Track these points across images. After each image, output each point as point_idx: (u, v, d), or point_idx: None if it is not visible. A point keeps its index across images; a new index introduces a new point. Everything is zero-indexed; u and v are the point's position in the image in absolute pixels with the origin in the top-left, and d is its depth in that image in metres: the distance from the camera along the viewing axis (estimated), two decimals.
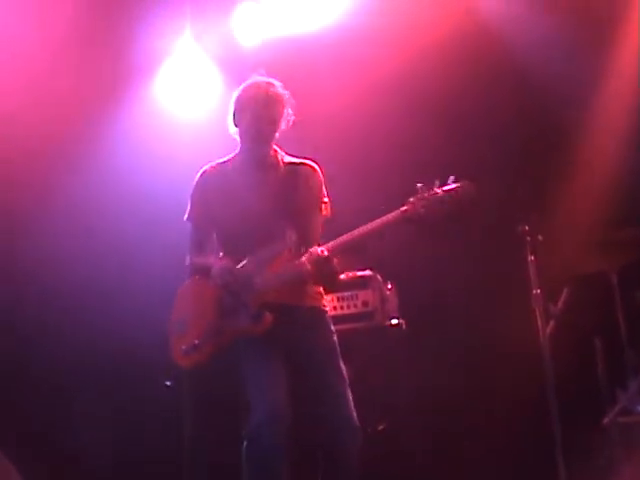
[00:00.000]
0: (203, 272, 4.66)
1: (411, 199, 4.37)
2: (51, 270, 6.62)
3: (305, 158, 4.78)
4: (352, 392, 4.50)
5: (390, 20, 6.63)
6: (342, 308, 6.10)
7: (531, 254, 5.40)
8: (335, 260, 4.45)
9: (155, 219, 6.69)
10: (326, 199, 4.72)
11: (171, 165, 6.78)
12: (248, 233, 4.55)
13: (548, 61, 6.41)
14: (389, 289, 6.20)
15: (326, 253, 4.39)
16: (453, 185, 4.35)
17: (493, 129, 6.63)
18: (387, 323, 6.11)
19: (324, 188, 4.72)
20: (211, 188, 4.71)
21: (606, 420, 5.49)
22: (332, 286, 4.79)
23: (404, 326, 6.12)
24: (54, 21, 6.50)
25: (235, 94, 4.78)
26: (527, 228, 5.49)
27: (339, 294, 6.09)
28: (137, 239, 6.78)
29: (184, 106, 7.31)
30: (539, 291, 5.45)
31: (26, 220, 6.69)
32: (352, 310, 6.05)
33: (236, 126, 4.74)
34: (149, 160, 6.93)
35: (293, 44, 7.04)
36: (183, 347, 4.56)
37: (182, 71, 7.31)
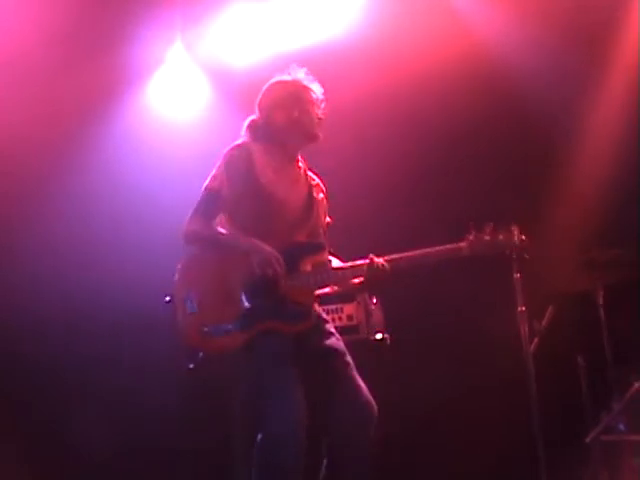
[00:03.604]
0: (223, 246, 4.42)
1: (470, 237, 4.48)
2: (48, 271, 6.68)
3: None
4: None
5: (385, 41, 6.68)
6: None
7: (517, 272, 5.39)
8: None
9: (148, 213, 6.81)
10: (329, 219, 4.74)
11: (162, 162, 7.00)
12: (277, 222, 4.40)
13: (542, 83, 6.46)
14: (374, 303, 6.18)
15: (387, 266, 4.39)
16: (513, 235, 4.53)
17: (483, 149, 6.68)
18: (372, 337, 6.10)
19: None
20: (253, 165, 4.42)
21: (589, 438, 5.52)
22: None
23: (389, 341, 6.11)
24: (52, 29, 6.55)
25: (276, 84, 4.61)
26: None
27: (323, 307, 6.09)
28: (132, 233, 6.84)
29: (175, 109, 7.44)
30: (524, 308, 5.45)
31: (22, 220, 6.75)
32: (337, 323, 5.99)
33: (268, 116, 4.54)
34: (142, 158, 7.04)
35: (282, 57, 7.08)
36: (205, 328, 4.29)
37: (174, 77, 7.44)
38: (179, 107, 7.42)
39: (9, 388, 6.49)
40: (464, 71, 6.60)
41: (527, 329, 5.40)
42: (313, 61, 6.81)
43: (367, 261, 4.40)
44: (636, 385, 5.39)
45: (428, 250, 4.45)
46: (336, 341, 4.52)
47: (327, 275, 4.47)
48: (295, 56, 6.93)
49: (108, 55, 6.87)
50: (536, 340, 5.60)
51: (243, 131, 4.62)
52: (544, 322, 5.79)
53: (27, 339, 6.61)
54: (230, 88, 7.34)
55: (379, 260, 4.39)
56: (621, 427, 5.47)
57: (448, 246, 4.48)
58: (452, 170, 6.74)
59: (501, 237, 4.50)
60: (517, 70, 6.52)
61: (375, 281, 4.46)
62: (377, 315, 6.17)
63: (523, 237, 4.55)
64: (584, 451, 5.55)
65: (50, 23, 6.56)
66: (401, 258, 4.44)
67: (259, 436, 4.23)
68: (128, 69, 7.07)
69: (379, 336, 6.09)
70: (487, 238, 4.49)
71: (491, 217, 6.35)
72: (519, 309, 5.40)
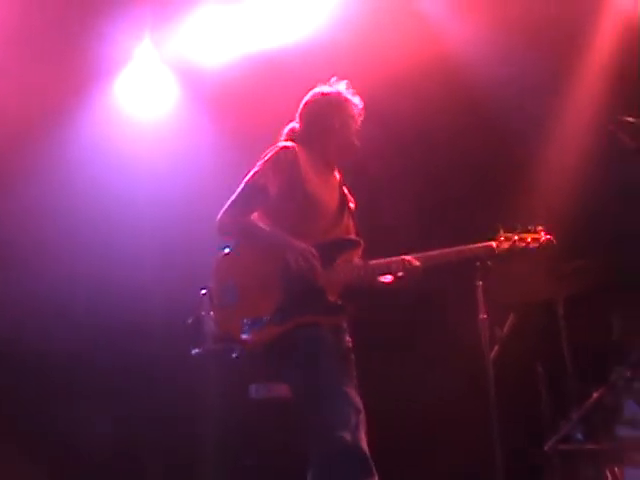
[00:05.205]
0: (259, 240, 4.41)
1: (501, 237, 4.77)
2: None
3: None
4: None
5: (355, 44, 6.66)
6: None
7: (479, 279, 5.40)
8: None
9: (113, 211, 6.84)
10: None
11: (128, 161, 6.98)
12: (314, 223, 4.47)
13: (510, 93, 6.47)
14: None
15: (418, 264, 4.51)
16: (540, 236, 4.84)
17: (448, 157, 6.70)
18: None
19: None
20: (298, 168, 4.48)
21: (547, 446, 5.54)
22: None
23: (351, 344, 6.08)
24: (18, 25, 6.50)
25: (318, 94, 4.70)
26: None
27: None
28: (99, 231, 6.86)
29: (142, 107, 7.39)
30: (485, 316, 5.46)
31: None
32: None
33: (309, 125, 4.66)
34: (108, 155, 7.00)
35: (250, 58, 7.10)
36: (243, 321, 4.29)
37: (141, 75, 7.39)
38: (146, 105, 7.38)
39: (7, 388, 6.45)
40: (433, 78, 6.60)
41: (488, 337, 5.42)
42: (282, 63, 6.91)
43: (400, 259, 4.51)
44: (594, 395, 5.42)
45: (461, 248, 4.66)
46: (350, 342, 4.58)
47: (361, 270, 4.49)
48: (264, 57, 7.00)
49: (75, 51, 6.81)
50: (496, 348, 5.61)
51: (283, 137, 4.72)
52: (505, 330, 5.81)
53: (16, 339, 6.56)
54: (198, 87, 7.33)
55: (410, 258, 4.51)
56: (579, 436, 5.50)
57: (480, 245, 4.74)
58: (416, 176, 6.75)
59: (529, 238, 4.80)
60: (486, 79, 6.53)
61: (407, 278, 4.54)
62: None
63: (549, 237, 4.83)
64: (542, 459, 5.57)
65: (15, 19, 6.51)
66: (433, 256, 4.58)
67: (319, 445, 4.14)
68: (95, 66, 7.01)
69: None
70: (516, 238, 4.78)
71: (455, 224, 6.45)
72: (481, 317, 5.42)
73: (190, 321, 5.93)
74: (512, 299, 5.89)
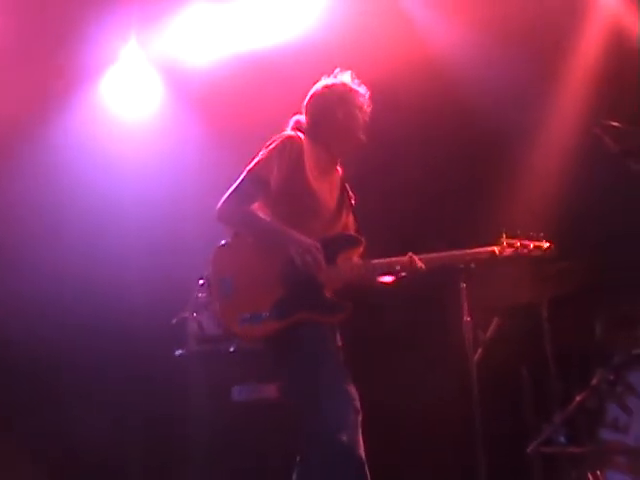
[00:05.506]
0: (261, 231, 4.30)
1: (504, 243, 4.75)
2: None
3: None
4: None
5: (343, 45, 6.65)
6: None
7: (463, 282, 5.40)
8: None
9: (99, 211, 6.88)
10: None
11: (114, 161, 7.01)
12: (314, 219, 4.36)
13: (494, 97, 6.46)
14: None
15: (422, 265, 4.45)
16: (542, 243, 4.87)
17: (433, 159, 6.70)
18: None
19: None
20: (302, 160, 4.36)
21: (529, 449, 5.55)
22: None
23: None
24: (2, 25, 6.49)
25: (323, 87, 4.60)
26: None
27: None
28: (81, 230, 6.86)
29: (127, 107, 7.41)
30: (469, 319, 5.45)
31: None
32: None
33: (313, 117, 4.56)
34: (94, 155, 7.03)
35: (236, 58, 7.11)
36: (241, 315, 4.14)
37: (127, 76, 7.42)
38: (132, 105, 7.40)
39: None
40: (418, 82, 6.60)
41: (472, 340, 5.41)
42: (268, 63, 6.91)
43: (404, 259, 4.44)
44: (577, 398, 5.43)
45: (463, 252, 4.66)
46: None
47: (362, 269, 4.41)
48: (250, 58, 7.01)
49: (62, 52, 6.83)
50: (480, 351, 5.61)
51: (288, 129, 4.60)
52: (488, 333, 5.81)
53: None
54: (184, 88, 7.34)
55: (415, 258, 4.44)
56: (562, 439, 5.51)
57: (482, 249, 4.72)
58: (399, 179, 6.75)
59: (531, 245, 4.82)
60: (470, 83, 6.54)
61: (409, 279, 4.50)
62: None
63: (549, 245, 4.86)
64: (524, 462, 5.59)
65: (1, 20, 6.51)
66: (436, 258, 4.55)
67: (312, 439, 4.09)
68: (81, 66, 7.03)
69: None
70: (519, 245, 4.78)
71: (438, 226, 6.46)
72: (464, 319, 5.42)
73: (175, 322, 5.95)
74: (496, 302, 5.89)
